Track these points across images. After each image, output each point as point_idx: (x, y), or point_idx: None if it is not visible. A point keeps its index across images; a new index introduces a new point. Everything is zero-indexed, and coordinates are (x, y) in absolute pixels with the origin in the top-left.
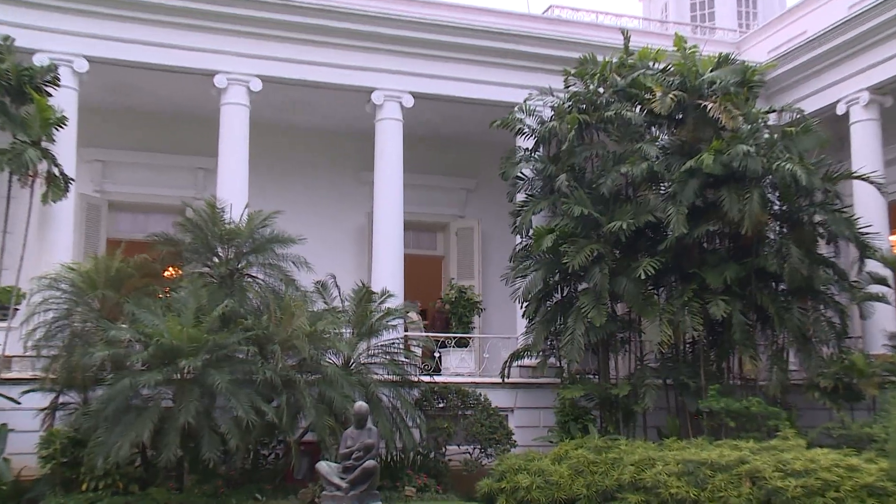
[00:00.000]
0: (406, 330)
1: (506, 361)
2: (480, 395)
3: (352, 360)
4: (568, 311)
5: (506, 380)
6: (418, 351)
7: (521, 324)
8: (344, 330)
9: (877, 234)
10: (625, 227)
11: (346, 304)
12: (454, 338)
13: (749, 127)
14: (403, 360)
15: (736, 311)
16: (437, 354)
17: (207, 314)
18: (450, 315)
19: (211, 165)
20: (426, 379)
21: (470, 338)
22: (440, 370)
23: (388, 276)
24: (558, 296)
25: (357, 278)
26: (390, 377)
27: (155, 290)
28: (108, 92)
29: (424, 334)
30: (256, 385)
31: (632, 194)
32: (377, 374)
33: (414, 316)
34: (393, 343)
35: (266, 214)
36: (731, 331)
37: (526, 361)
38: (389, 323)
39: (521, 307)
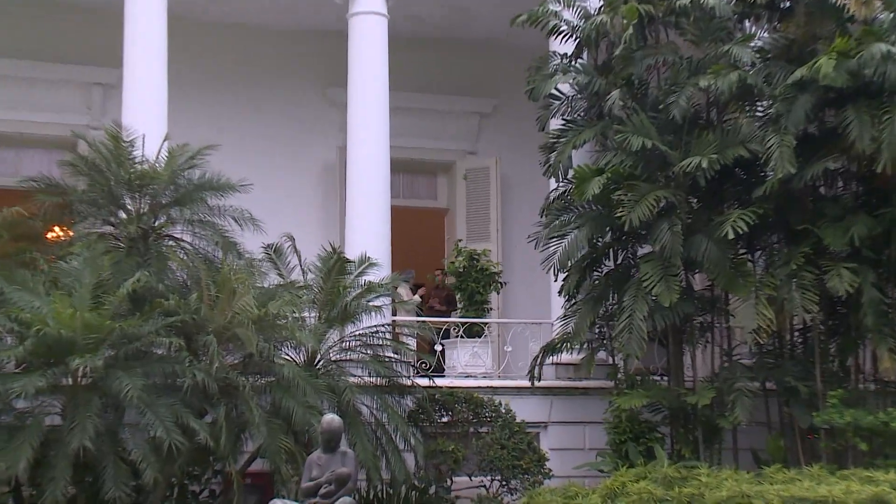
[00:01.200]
0: (395, 314)
1: (536, 357)
2: (500, 404)
3: (319, 357)
4: (624, 286)
5: (536, 383)
6: (412, 343)
7: (558, 304)
8: (307, 314)
9: None
10: (705, 165)
11: (310, 276)
12: (463, 324)
13: (891, 17)
14: (391, 356)
15: (867, 285)
16: (438, 348)
17: (111, 292)
18: (456, 292)
19: (113, 80)
20: (423, 382)
21: (485, 324)
22: (443, 370)
23: (369, 236)
24: (610, 264)
25: (325, 240)
26: (373, 380)
27: (34, 259)
28: None
29: (421, 319)
30: (183, 393)
31: (715, 118)
32: (354, 375)
33: (405, 293)
34: (376, 332)
35: (195, 150)
36: (859, 312)
37: (565, 357)
38: (371, 303)
39: (558, 280)
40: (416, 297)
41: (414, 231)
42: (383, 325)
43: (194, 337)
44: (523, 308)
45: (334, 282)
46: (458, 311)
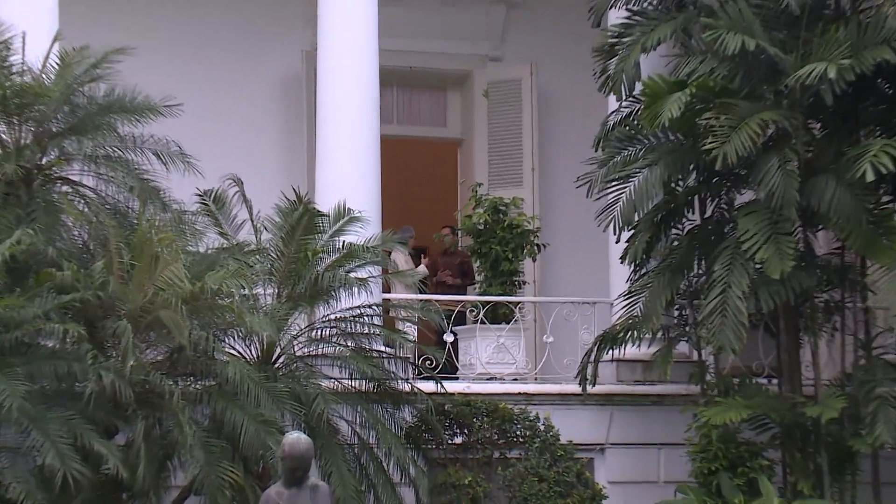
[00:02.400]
0: (387, 290)
1: (589, 351)
2: (538, 418)
3: (278, 351)
4: (714, 249)
5: (590, 388)
6: (412, 332)
7: (620, 275)
8: (261, 289)
9: None
10: (833, 75)
11: (266, 237)
12: (484, 304)
13: None
14: (382, 350)
15: None
16: (449, 338)
17: None
18: (474, 258)
19: None
20: (428, 388)
21: (517, 304)
22: (456, 370)
23: (350, 179)
24: (694, 217)
25: (287, 184)
26: (356, 384)
27: None
28: None
29: (424, 297)
30: (85, 402)
31: (848, 7)
32: (330, 377)
33: (402, 261)
34: (361, 316)
35: (99, 56)
36: None
37: (630, 351)
38: (353, 275)
39: (620, 241)
40: (422, 269)
41: (415, 172)
42: (371, 307)
43: (100, 323)
44: (570, 282)
45: (300, 244)
46: (478, 286)
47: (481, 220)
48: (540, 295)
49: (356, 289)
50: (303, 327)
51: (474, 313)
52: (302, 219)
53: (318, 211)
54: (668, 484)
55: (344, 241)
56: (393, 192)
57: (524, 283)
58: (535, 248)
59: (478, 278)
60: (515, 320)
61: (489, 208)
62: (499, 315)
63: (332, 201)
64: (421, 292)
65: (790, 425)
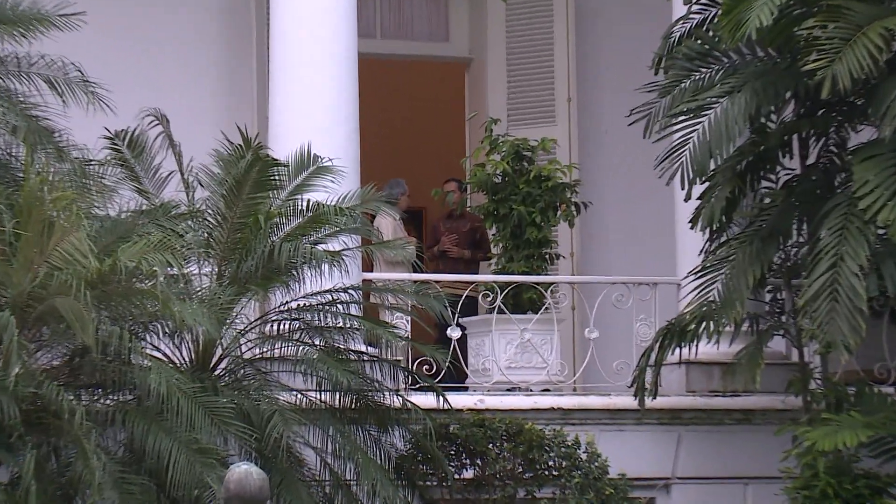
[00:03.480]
0: (371, 267)
1: (647, 350)
2: (577, 443)
3: (220, 352)
4: (821, 208)
5: (650, 401)
6: (403, 325)
7: (690, 246)
8: (195, 268)
9: None
10: None
11: (202, 195)
12: (503, 285)
13: None
14: (362, 350)
15: None
16: (454, 333)
17: None
18: (489, 223)
19: None
20: (425, 402)
21: (549, 285)
22: (464, 376)
23: (317, 116)
24: (792, 165)
25: (229, 123)
26: (326, 398)
27: None
28: None
29: (421, 278)
30: None
31: None
32: (291, 389)
33: (389, 226)
34: (333, 303)
35: None
36: None
37: (705, 350)
38: (321, 247)
39: (691, 198)
40: (409, 235)
41: (407, 104)
42: (347, 291)
43: None
44: (620, 255)
45: (248, 205)
46: (494, 261)
47: (498, 171)
48: (580, 273)
49: (326, 266)
50: (253, 320)
51: (489, 299)
52: (251, 170)
53: (274, 159)
54: None
55: (309, 201)
56: (377, 132)
57: (558, 256)
58: (574, 208)
59: (494, 251)
60: (546, 308)
61: (509, 154)
62: (523, 301)
63: (293, 146)
64: (416, 270)
65: None
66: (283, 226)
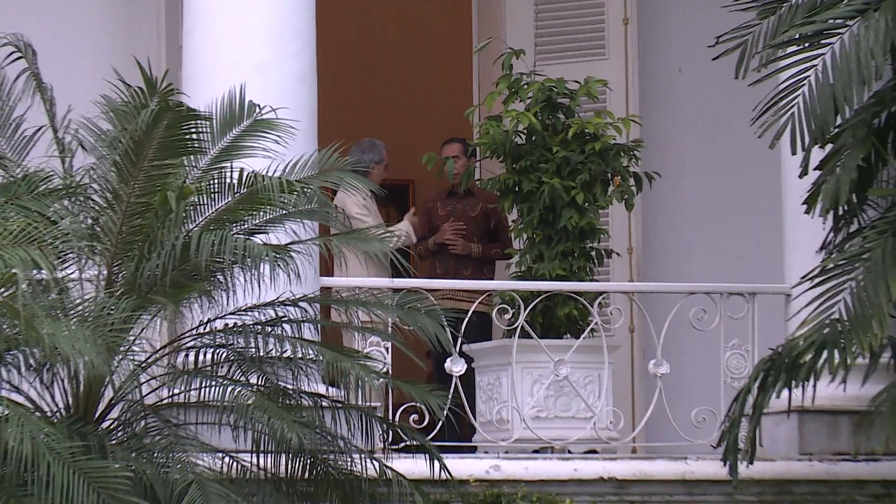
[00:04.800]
0: (331, 268)
1: (742, 394)
2: None
3: (111, 395)
4: None
5: (744, 468)
6: (380, 355)
7: (803, 239)
8: (74, 269)
9: None
10: None
11: (83, 162)
12: (528, 296)
13: None
14: (320, 392)
15: None
16: (455, 366)
17: None
18: (507, 203)
19: None
20: (413, 468)
21: (596, 296)
22: (472, 430)
23: (251, 46)
24: None
25: (125, 57)
26: (268, 461)
27: None
28: None
29: (406, 283)
30: None
31: None
32: (216, 449)
33: (357, 207)
34: (277, 322)
35: None
36: None
37: (827, 391)
38: (259, 239)
39: (808, 170)
40: (404, 225)
41: (390, 29)
42: (297, 304)
43: None
44: (701, 252)
45: (153, 177)
46: (517, 260)
47: (522, 126)
48: (641, 278)
49: (267, 267)
50: (160, 347)
51: (508, 316)
52: (157, 125)
53: (191, 109)
54: None
55: (243, 171)
56: (345, 70)
57: (609, 254)
58: (634, 182)
59: (515, 245)
60: (592, 330)
61: (537, 101)
62: (558, 320)
63: (219, 89)
64: (401, 274)
65: None
66: (205, 208)
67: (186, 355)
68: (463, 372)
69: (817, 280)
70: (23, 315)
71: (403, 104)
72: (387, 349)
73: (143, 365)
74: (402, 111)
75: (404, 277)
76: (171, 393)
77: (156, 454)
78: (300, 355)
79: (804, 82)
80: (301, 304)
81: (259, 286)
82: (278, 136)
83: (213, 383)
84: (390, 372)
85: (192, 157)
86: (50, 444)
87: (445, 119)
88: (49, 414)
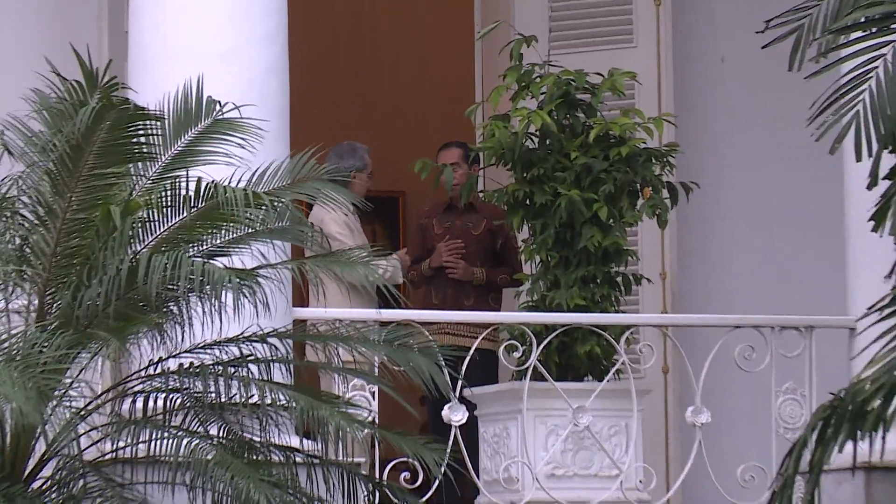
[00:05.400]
0: (306, 298)
1: (796, 448)
2: None
3: (41, 447)
4: None
5: None
6: (365, 401)
7: (870, 265)
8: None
9: None
10: None
11: (9, 167)
12: (541, 330)
13: None
14: (292, 446)
15: None
16: (455, 415)
17: None
18: (517, 219)
19: None
20: None
21: (623, 330)
22: (476, 490)
23: (209, 30)
24: None
25: (61, 45)
26: None
27: None
28: None
29: (396, 315)
30: None
31: None
32: None
33: (338, 226)
34: (241, 362)
35: None
36: None
37: None
38: (220, 262)
39: (876, 181)
40: (394, 259)
41: (378, 12)
42: (265, 341)
43: None
44: (748, 280)
45: (93, 188)
46: (528, 287)
47: (534, 128)
48: (677, 310)
49: (230, 296)
50: (102, 391)
51: (518, 354)
52: (98, 126)
53: (138, 107)
54: None
55: (200, 181)
56: (323, 60)
57: (639, 280)
58: (668, 193)
59: (526, 269)
60: (619, 372)
61: (552, 97)
62: (578, 359)
63: (172, 82)
64: (389, 304)
65: None
66: (156, 225)
67: (133, 401)
68: (464, 421)
69: (887, 311)
70: None
71: (393, 100)
72: (373, 394)
73: (82, 413)
74: (391, 109)
75: (393, 308)
76: (115, 446)
77: None
78: (269, 401)
79: (871, 75)
80: (270, 340)
81: (220, 319)
82: (243, 138)
83: (166, 435)
84: (377, 421)
85: (140, 164)
86: None
87: (442, 118)
88: None
